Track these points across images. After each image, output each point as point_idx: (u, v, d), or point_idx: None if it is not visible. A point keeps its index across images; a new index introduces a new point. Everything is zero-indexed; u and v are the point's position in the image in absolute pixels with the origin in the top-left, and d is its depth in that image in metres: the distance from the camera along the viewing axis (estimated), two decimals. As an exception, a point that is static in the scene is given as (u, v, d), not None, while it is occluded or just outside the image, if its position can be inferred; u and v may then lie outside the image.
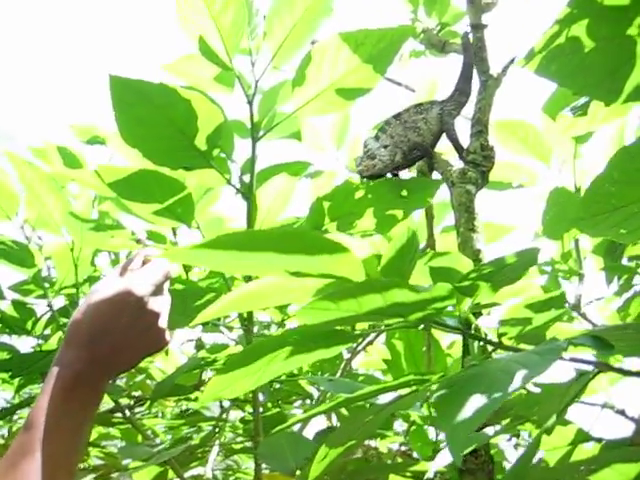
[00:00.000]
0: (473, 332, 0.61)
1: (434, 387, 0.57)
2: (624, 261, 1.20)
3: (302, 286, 0.54)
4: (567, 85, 0.57)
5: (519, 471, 0.59)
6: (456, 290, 0.53)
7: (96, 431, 1.48)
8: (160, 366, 1.55)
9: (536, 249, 0.57)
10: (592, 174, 1.20)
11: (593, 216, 0.57)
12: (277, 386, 1.30)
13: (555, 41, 0.56)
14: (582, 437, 0.76)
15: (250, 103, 1.01)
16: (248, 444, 1.28)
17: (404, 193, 0.98)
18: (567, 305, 1.17)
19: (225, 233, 0.48)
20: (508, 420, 0.70)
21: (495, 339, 0.65)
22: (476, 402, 0.39)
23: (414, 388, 0.62)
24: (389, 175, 1.03)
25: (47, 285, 1.23)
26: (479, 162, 0.96)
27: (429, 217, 1.06)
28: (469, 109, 1.03)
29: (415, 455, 1.19)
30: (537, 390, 0.75)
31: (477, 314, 0.72)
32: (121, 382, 1.34)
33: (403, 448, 1.24)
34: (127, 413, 1.24)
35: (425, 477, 0.74)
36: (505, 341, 0.64)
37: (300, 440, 0.97)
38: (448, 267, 0.61)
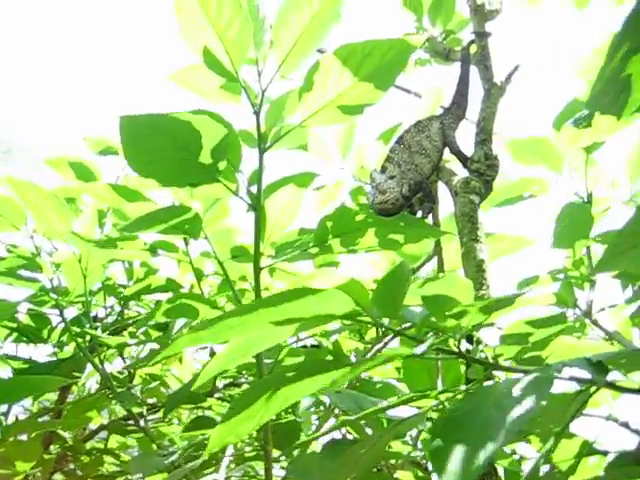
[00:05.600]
0: (468, 354, 0.61)
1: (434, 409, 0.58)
2: None
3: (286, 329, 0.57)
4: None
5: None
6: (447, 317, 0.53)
7: (115, 440, 1.51)
8: (175, 373, 1.57)
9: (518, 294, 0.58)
10: (604, 180, 1.20)
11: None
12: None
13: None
14: (587, 450, 0.75)
15: (257, 113, 1.01)
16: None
17: (400, 225, 0.98)
18: (579, 312, 1.16)
19: (231, 311, 0.51)
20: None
21: (493, 357, 0.65)
22: (469, 453, 0.38)
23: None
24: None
25: (57, 295, 1.24)
26: (483, 171, 0.96)
27: (435, 226, 1.06)
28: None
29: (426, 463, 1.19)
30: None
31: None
32: (135, 390, 1.36)
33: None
34: (141, 422, 1.26)
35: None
36: (502, 361, 0.64)
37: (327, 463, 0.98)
38: (441, 295, 0.60)
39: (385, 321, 0.61)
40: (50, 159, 1.38)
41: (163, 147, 0.93)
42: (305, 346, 1.31)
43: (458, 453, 0.39)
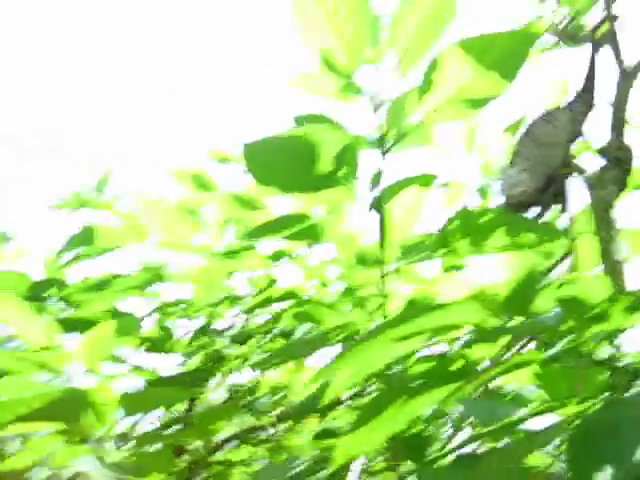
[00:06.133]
0: (610, 360, 0.63)
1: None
2: None
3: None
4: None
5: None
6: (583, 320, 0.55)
7: (246, 450, 1.60)
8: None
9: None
10: None
11: None
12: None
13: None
14: None
15: (376, 113, 1.05)
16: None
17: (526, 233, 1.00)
18: None
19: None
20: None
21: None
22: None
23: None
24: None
25: (184, 306, 1.34)
26: (619, 159, 0.96)
27: (568, 224, 1.08)
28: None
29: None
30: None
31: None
32: (263, 401, 1.44)
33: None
34: (270, 431, 1.33)
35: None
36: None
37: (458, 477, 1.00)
38: (578, 297, 0.62)
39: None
40: (172, 169, 1.49)
41: (283, 162, 1.00)
42: (433, 355, 1.33)
43: (604, 462, 0.40)
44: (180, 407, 1.57)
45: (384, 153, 1.07)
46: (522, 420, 0.70)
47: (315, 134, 1.00)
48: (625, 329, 0.64)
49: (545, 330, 0.63)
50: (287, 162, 0.99)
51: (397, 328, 0.59)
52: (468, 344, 1.01)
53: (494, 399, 1.24)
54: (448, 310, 0.59)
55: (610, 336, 0.64)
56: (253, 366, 1.48)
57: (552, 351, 0.62)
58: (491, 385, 1.31)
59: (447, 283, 1.15)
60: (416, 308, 0.60)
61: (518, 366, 0.63)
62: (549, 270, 1.16)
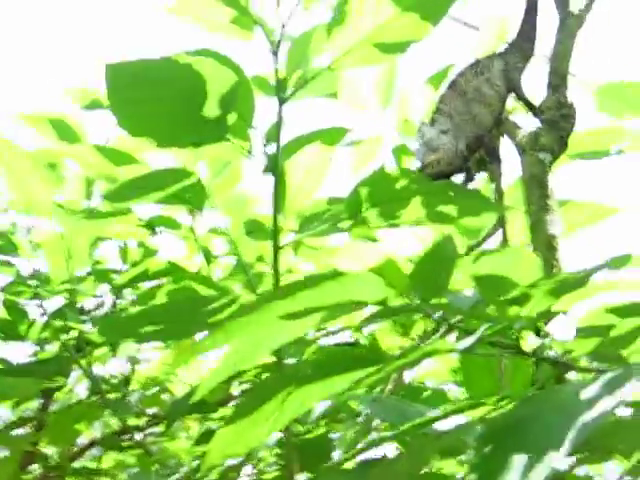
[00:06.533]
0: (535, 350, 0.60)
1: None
2: None
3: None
4: None
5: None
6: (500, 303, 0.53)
7: (112, 458, 1.53)
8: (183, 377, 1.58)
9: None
10: None
11: None
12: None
13: None
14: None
15: (275, 54, 1.00)
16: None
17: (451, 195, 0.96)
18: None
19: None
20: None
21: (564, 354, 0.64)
22: (525, 464, 0.38)
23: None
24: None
25: (37, 283, 1.26)
26: (556, 122, 0.94)
27: (498, 194, 1.04)
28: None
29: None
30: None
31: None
32: (132, 398, 1.37)
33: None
34: (139, 435, 1.28)
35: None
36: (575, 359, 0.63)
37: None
38: (497, 275, 0.59)
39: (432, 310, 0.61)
40: (25, 115, 1.39)
41: (158, 99, 0.92)
42: (338, 344, 1.31)
43: (510, 464, 0.38)
44: (32, 404, 1.50)
45: (283, 101, 1.02)
46: (434, 420, 0.67)
47: (199, 65, 0.94)
48: (551, 314, 0.64)
49: (457, 312, 0.60)
50: (162, 100, 0.92)
51: (285, 302, 0.56)
52: (368, 322, 0.99)
53: (409, 396, 1.23)
54: (344, 283, 0.57)
55: (533, 322, 0.61)
56: (122, 355, 1.42)
57: (469, 340, 0.57)
58: (410, 380, 1.32)
59: (350, 255, 1.12)
60: (308, 279, 0.56)
61: (428, 355, 0.59)
62: (471, 248, 1.17)
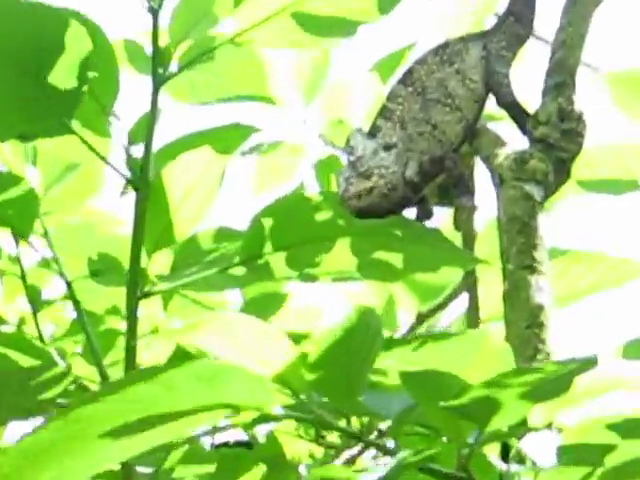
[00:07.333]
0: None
1: None
2: None
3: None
4: None
5: None
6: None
7: None
8: None
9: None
10: None
11: None
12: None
13: None
14: None
15: (155, 11, 0.98)
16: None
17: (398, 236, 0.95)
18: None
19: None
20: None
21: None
22: None
23: None
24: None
25: None
26: (554, 141, 0.91)
27: (466, 240, 1.05)
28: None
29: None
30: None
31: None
32: None
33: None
34: None
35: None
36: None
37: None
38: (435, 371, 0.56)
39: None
40: None
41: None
42: (227, 443, 1.25)
43: None
44: None
45: (162, 81, 0.98)
46: None
47: (47, 16, 0.92)
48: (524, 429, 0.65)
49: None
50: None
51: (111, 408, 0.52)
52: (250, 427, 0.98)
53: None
54: (208, 379, 0.55)
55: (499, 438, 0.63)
56: None
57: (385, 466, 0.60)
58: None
59: (221, 330, 1.06)
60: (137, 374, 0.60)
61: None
62: (423, 318, 1.19)
